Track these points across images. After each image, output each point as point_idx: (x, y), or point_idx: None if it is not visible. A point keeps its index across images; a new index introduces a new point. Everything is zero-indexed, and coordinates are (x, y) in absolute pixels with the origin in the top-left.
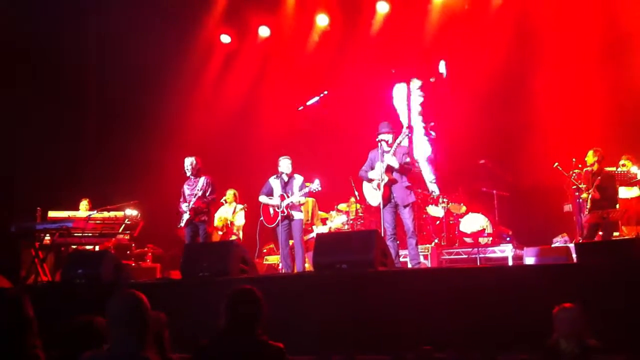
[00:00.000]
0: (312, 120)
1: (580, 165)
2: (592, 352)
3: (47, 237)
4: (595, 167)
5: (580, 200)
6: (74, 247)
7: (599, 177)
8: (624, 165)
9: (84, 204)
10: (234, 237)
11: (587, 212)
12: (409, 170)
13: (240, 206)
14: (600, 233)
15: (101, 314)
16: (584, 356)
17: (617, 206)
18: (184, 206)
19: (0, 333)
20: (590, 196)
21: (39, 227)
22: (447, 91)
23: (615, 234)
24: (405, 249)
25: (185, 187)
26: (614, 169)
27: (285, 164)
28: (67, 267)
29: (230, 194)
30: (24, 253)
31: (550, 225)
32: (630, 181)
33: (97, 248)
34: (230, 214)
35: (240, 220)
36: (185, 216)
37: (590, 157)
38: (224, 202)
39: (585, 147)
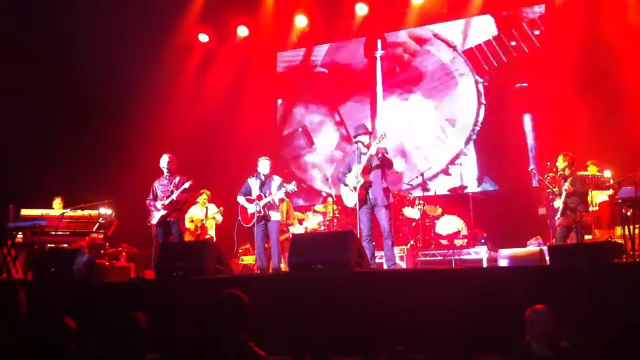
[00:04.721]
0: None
1: (554, 169)
2: (564, 354)
3: (20, 235)
4: (566, 172)
5: (553, 205)
6: (50, 245)
7: (570, 178)
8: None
9: (57, 202)
10: (207, 237)
11: (558, 215)
12: (389, 162)
13: (214, 210)
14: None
15: (72, 313)
16: (555, 358)
17: (590, 209)
18: (159, 204)
19: None
20: (563, 197)
21: (11, 225)
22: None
23: (588, 237)
24: (382, 250)
25: (157, 184)
26: (586, 173)
27: (264, 165)
28: (39, 265)
29: (203, 195)
30: None
31: (524, 228)
32: (604, 185)
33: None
34: (203, 215)
35: (213, 224)
36: (158, 214)
37: (561, 162)
38: (197, 201)
39: (561, 151)
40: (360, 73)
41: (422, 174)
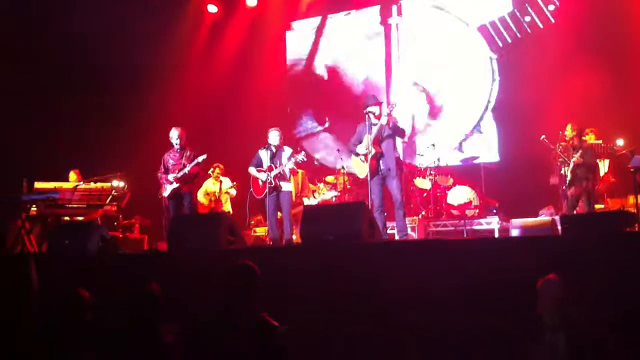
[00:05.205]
0: (299, 92)
1: (566, 138)
2: (575, 325)
3: (34, 208)
4: (575, 142)
5: (565, 173)
6: (66, 218)
7: (581, 150)
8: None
9: (73, 174)
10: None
11: (566, 185)
12: (401, 132)
13: (228, 185)
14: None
15: (86, 284)
16: (567, 328)
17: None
18: (170, 177)
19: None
20: (571, 167)
21: (25, 198)
22: None
23: (600, 206)
24: (393, 220)
25: (167, 157)
26: (599, 142)
27: (273, 136)
28: (54, 238)
29: (216, 169)
30: (10, 224)
31: (536, 198)
32: (616, 154)
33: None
34: (217, 189)
35: (227, 198)
36: (169, 186)
37: (569, 131)
38: (210, 173)
39: (572, 120)
40: (375, 44)
41: (432, 145)
